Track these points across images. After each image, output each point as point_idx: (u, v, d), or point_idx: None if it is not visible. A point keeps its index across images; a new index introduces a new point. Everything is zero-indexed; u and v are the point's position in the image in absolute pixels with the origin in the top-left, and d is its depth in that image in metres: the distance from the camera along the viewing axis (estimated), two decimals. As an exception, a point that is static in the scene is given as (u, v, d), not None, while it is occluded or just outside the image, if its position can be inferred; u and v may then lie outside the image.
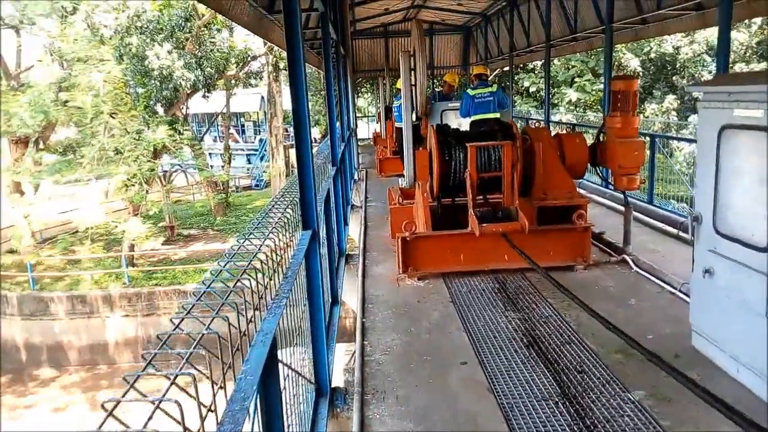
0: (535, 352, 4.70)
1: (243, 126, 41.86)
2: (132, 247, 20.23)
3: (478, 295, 6.08)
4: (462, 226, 6.67)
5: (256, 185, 34.72)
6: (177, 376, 1.38)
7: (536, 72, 28.14)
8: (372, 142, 20.35)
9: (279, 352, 2.48)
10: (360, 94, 33.99)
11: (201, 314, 1.91)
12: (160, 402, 1.28)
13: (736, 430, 2.92)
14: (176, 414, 1.33)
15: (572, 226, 6.57)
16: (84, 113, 17.85)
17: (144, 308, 18.07)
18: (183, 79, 20.51)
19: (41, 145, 20.42)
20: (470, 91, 9.18)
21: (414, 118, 9.39)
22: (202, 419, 1.42)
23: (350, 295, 7.15)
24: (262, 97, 34.52)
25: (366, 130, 30.89)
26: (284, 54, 4.44)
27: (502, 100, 9.14)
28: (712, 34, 23.37)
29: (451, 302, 5.94)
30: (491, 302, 5.88)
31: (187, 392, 1.45)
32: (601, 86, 23.80)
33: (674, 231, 7.87)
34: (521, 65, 26.03)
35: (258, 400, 2.04)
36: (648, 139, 9.55)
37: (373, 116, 30.92)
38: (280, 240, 3.11)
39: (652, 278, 6.24)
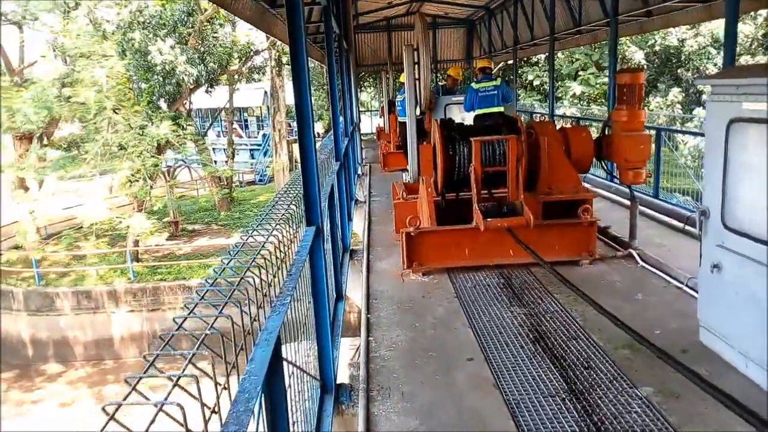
0: (542, 348, 4.67)
1: (246, 121, 41.85)
2: (136, 243, 20.26)
3: (483, 291, 6.05)
4: (466, 221, 6.64)
5: (260, 180, 34.73)
6: (179, 378, 1.36)
7: (540, 65, 27.99)
8: (375, 137, 20.28)
9: (284, 347, 2.46)
10: (363, 89, 33.90)
11: (206, 311, 1.89)
12: (162, 405, 1.25)
13: (746, 427, 2.90)
14: (179, 416, 1.30)
15: (578, 220, 6.52)
16: (87, 109, 17.82)
17: (149, 303, 18.12)
18: (186, 75, 20.46)
19: (45, 141, 20.45)
20: (474, 85, 9.10)
21: (418, 113, 9.35)
22: (206, 422, 1.40)
23: (354, 291, 7.13)
24: (265, 92, 34.54)
25: (369, 124, 30.81)
26: (287, 48, 4.40)
27: (507, 94, 9.06)
28: (717, 26, 23.17)
29: (455, 298, 5.92)
30: (496, 297, 5.85)
31: (190, 393, 1.42)
32: (605, 79, 23.73)
33: (680, 225, 7.82)
34: (525, 59, 25.88)
35: (262, 399, 2.02)
36: (653, 132, 9.47)
37: (376, 111, 30.82)
38: (284, 236, 3.09)
39: (659, 273, 6.19)
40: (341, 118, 10.10)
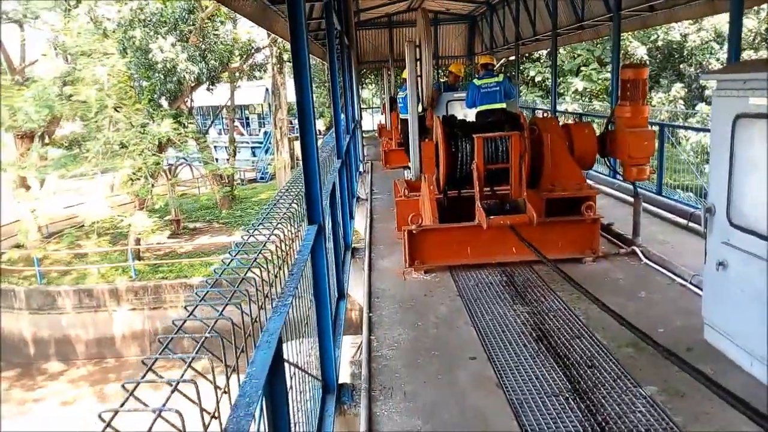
0: (545, 347, 4.63)
1: (248, 118, 41.79)
2: (138, 241, 20.25)
3: (486, 289, 6.02)
4: (469, 218, 6.60)
5: (261, 178, 34.69)
6: (178, 383, 1.33)
7: (542, 61, 27.91)
8: (377, 134, 20.24)
9: (285, 346, 2.43)
10: (364, 86, 33.83)
11: (207, 312, 1.86)
12: (160, 411, 1.22)
13: (751, 427, 2.87)
14: (178, 423, 1.27)
15: (581, 217, 6.48)
16: (89, 107, 17.81)
17: (151, 302, 18.12)
18: (187, 72, 20.42)
19: (46, 140, 20.42)
20: (476, 81, 9.06)
21: (420, 110, 9.30)
22: (205, 427, 1.37)
23: (356, 288, 7.10)
24: (267, 90, 34.49)
25: (370, 121, 30.76)
26: (288, 45, 4.36)
27: (509, 90, 9.03)
28: (719, 21, 23.07)
29: (458, 296, 5.88)
30: (499, 296, 5.81)
31: (189, 398, 1.39)
32: (608, 75, 23.66)
33: (684, 221, 7.78)
34: (526, 54, 25.80)
35: (263, 402, 1.99)
36: (657, 128, 9.42)
37: (378, 108, 30.77)
38: (285, 235, 3.05)
39: (663, 270, 6.15)
40: (342, 116, 10.06)
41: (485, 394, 4.01)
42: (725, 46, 22.63)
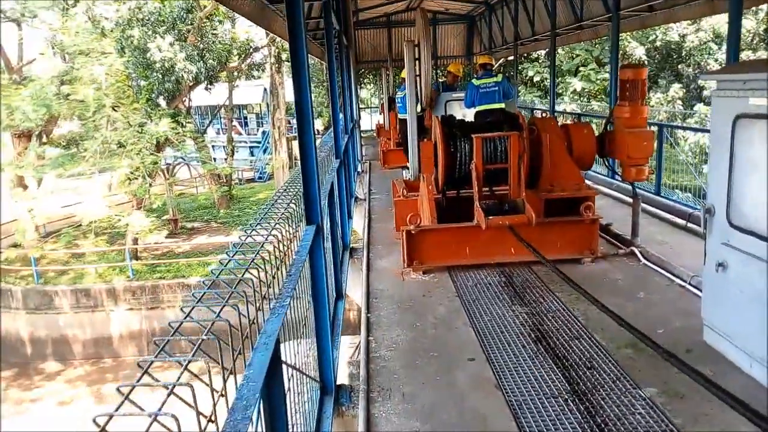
0: (544, 348, 4.62)
1: (246, 118, 41.74)
2: (135, 241, 20.19)
3: (485, 289, 6.00)
4: (468, 218, 6.59)
5: (260, 177, 34.64)
6: (174, 386, 1.30)
7: (540, 61, 27.91)
8: (375, 134, 20.22)
9: (283, 346, 2.41)
10: (363, 85, 33.80)
11: (203, 312, 1.84)
12: (156, 416, 1.20)
13: (751, 428, 2.86)
14: (174, 427, 1.25)
15: (580, 218, 6.47)
16: (86, 106, 17.75)
17: (148, 301, 18.08)
18: (185, 72, 20.38)
19: (44, 139, 20.36)
20: (475, 81, 9.03)
21: (418, 110, 9.28)
22: (202, 431, 1.35)
23: (354, 289, 7.08)
24: (265, 89, 34.43)
25: (369, 121, 30.73)
26: (287, 45, 4.34)
27: (508, 90, 9.00)
28: (718, 21, 23.10)
29: (456, 296, 5.87)
30: (498, 296, 5.80)
31: (185, 402, 1.37)
32: (606, 75, 23.66)
33: (682, 222, 7.77)
34: (525, 55, 25.80)
35: (261, 405, 1.96)
36: (656, 128, 9.41)
37: (376, 107, 30.74)
38: (283, 235, 3.03)
39: (661, 271, 6.15)
40: (341, 115, 10.05)
41: (484, 395, 3.99)
42: (723, 47, 22.66)
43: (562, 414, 3.69)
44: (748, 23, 23.18)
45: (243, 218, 23.88)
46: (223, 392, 1.55)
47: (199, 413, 1.37)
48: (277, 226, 3.01)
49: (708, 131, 4.87)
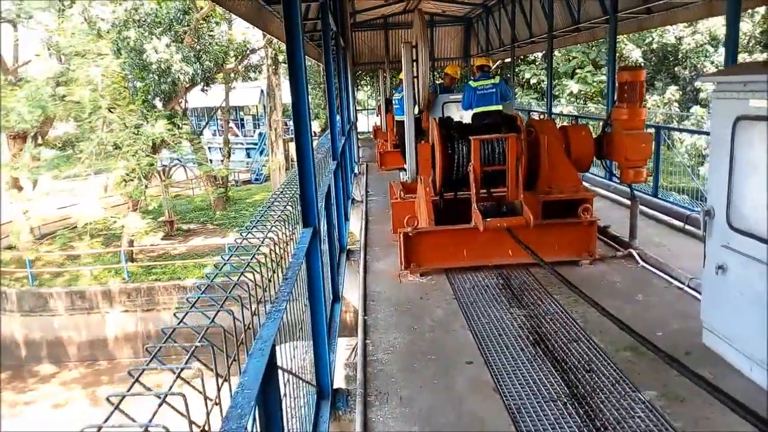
0: (542, 351, 4.58)
1: (242, 120, 41.68)
2: (131, 243, 20.13)
3: (482, 292, 5.97)
4: (465, 220, 6.55)
5: (256, 179, 34.56)
6: (166, 396, 1.26)
7: (537, 63, 27.92)
8: (372, 136, 20.19)
9: (278, 348, 2.37)
10: (360, 87, 33.77)
11: (198, 317, 1.80)
12: (147, 428, 1.16)
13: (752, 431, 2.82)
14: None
15: (578, 220, 6.45)
16: (82, 108, 17.69)
17: (144, 303, 17.99)
18: (181, 73, 20.33)
19: (39, 141, 20.28)
20: (472, 83, 9.00)
21: (416, 111, 9.25)
22: (195, 442, 1.31)
23: (351, 291, 7.04)
24: (262, 91, 34.35)
25: (366, 123, 30.70)
26: (283, 46, 4.31)
27: (505, 92, 8.96)
28: (714, 24, 23.15)
29: (454, 299, 5.83)
30: (495, 298, 5.77)
31: (177, 411, 1.33)
32: (603, 77, 23.68)
33: (680, 224, 7.75)
34: (522, 57, 25.80)
35: (256, 412, 1.92)
36: (653, 130, 9.41)
37: (373, 109, 30.72)
38: (279, 238, 2.99)
39: (660, 273, 6.13)
40: (338, 117, 10.01)
41: (482, 398, 3.96)
42: (720, 49, 22.74)
43: (561, 417, 3.66)
44: (745, 26, 23.24)
45: (239, 220, 23.81)
46: (217, 400, 1.51)
47: (191, 422, 1.33)
48: (274, 228, 2.97)
49: (705, 133, 4.87)
